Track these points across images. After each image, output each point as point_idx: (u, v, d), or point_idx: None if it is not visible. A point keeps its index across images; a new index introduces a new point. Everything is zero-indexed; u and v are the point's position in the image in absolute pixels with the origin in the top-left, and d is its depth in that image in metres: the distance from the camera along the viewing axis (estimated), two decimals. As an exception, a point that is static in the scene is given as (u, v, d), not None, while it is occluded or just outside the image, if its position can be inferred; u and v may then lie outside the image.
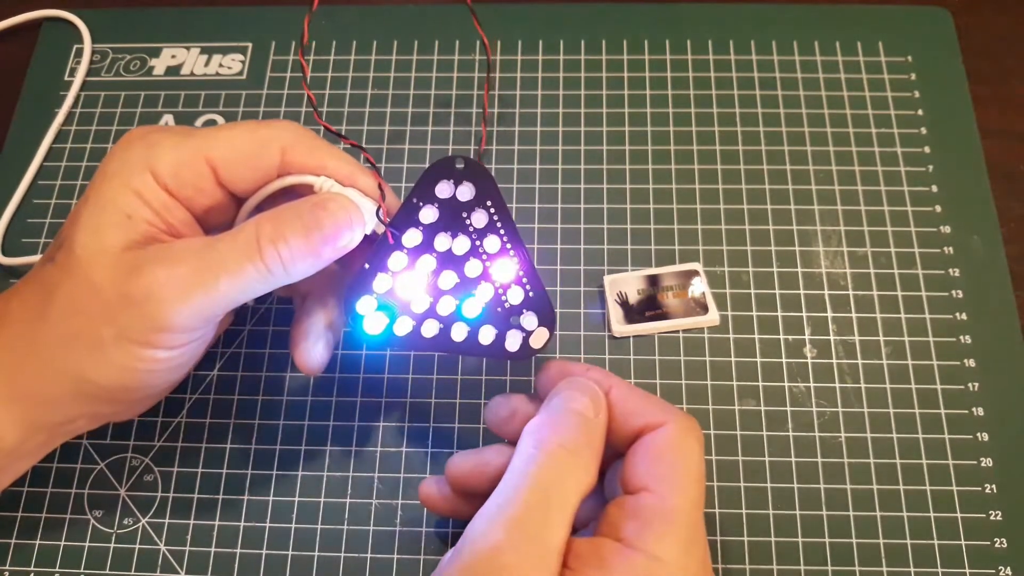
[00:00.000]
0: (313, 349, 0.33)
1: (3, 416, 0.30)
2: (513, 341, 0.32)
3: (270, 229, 0.29)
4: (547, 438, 0.28)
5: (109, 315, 0.29)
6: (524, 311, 0.32)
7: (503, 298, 0.32)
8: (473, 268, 0.32)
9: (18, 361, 0.30)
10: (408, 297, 0.32)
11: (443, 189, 0.31)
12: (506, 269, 0.32)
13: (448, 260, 0.32)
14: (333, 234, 0.30)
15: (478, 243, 0.32)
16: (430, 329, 0.32)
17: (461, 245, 0.32)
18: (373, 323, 0.32)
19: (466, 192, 0.31)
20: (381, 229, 0.32)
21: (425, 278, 0.32)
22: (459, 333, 0.32)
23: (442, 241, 0.32)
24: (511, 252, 0.32)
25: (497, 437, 0.36)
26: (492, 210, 0.31)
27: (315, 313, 0.34)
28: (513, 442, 0.32)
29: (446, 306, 0.32)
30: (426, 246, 0.32)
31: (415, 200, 0.31)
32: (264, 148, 0.31)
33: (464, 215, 0.31)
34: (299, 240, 0.29)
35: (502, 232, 0.32)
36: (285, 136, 0.32)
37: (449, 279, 0.32)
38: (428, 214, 0.32)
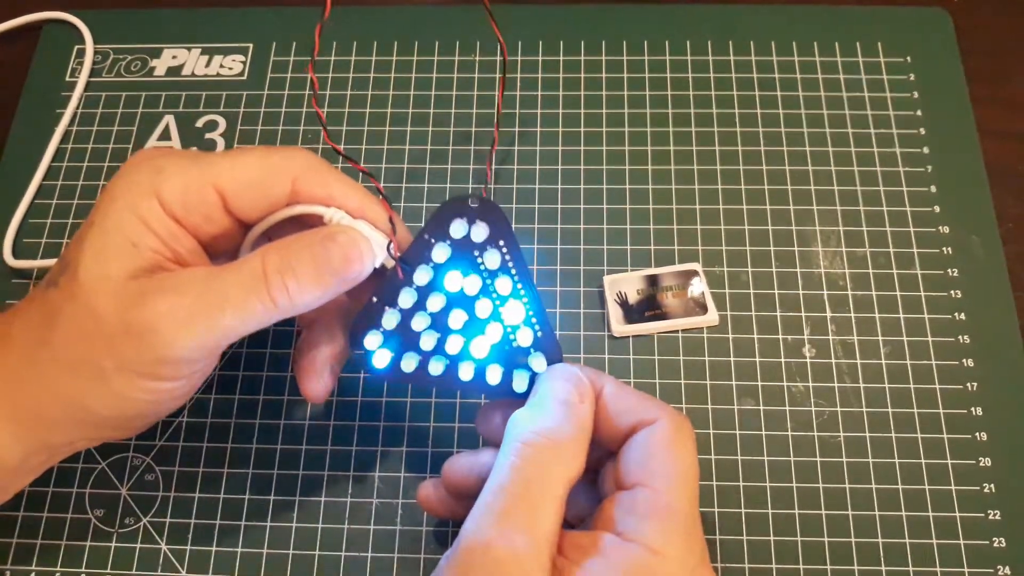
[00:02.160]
0: (319, 380, 0.33)
1: (6, 438, 0.30)
2: (520, 382, 0.32)
3: (277, 260, 0.29)
4: (530, 428, 0.28)
5: (111, 345, 0.28)
6: (532, 351, 0.32)
7: (512, 338, 0.32)
8: (483, 308, 0.31)
9: (20, 385, 0.29)
10: (415, 334, 0.32)
11: (457, 228, 0.31)
12: (517, 310, 0.31)
13: (458, 299, 0.31)
14: (343, 267, 0.29)
15: (490, 283, 0.31)
16: (436, 367, 0.32)
17: (472, 285, 0.31)
18: (379, 358, 0.32)
19: (480, 233, 0.31)
20: (391, 263, 0.31)
21: (434, 315, 0.32)
22: (466, 372, 0.32)
23: (453, 280, 0.31)
24: (523, 294, 0.31)
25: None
26: (504, 250, 0.31)
27: (321, 344, 0.33)
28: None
29: (454, 345, 0.32)
30: (436, 284, 0.31)
31: (427, 236, 0.31)
32: (275, 176, 0.31)
33: (477, 254, 0.31)
34: (307, 272, 0.29)
35: (514, 273, 0.31)
36: (296, 164, 0.31)
37: (458, 318, 0.31)
38: (440, 253, 0.31)
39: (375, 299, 0.31)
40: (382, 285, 0.31)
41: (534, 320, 0.32)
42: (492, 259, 0.31)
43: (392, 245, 0.31)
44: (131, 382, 0.29)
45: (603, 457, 0.31)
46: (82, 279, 0.28)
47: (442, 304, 0.31)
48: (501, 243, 0.31)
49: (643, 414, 0.30)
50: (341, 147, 0.43)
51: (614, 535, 0.27)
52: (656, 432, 0.29)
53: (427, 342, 0.32)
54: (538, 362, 0.32)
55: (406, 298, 0.31)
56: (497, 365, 0.32)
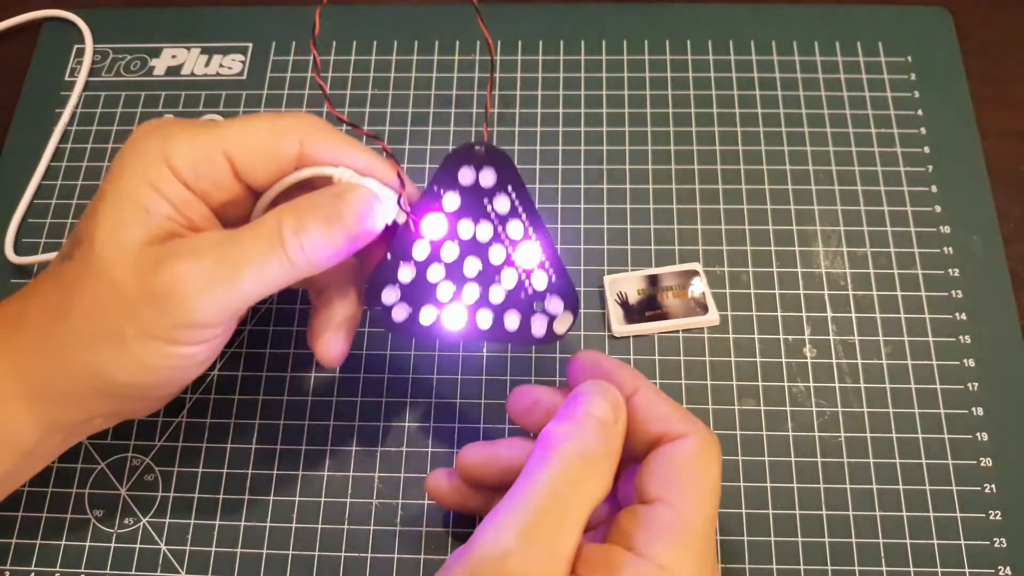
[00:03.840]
0: (334, 341, 0.33)
1: (23, 417, 0.30)
2: (539, 326, 0.32)
3: (292, 220, 0.29)
4: (564, 444, 0.28)
5: (132, 312, 0.28)
6: (548, 296, 0.32)
7: (527, 284, 0.32)
8: (497, 254, 0.32)
9: (39, 362, 0.29)
10: (432, 286, 0.32)
11: (465, 175, 0.31)
12: (529, 254, 0.32)
13: (471, 247, 0.32)
14: (354, 224, 0.30)
15: (501, 229, 0.31)
16: (455, 317, 0.32)
17: (484, 231, 0.31)
18: (398, 313, 0.32)
19: (488, 178, 0.31)
20: (402, 218, 0.32)
21: (448, 266, 0.32)
22: (484, 320, 0.32)
23: (465, 228, 0.31)
24: (534, 237, 0.32)
25: (502, 431, 0.36)
26: (514, 195, 0.31)
27: (334, 306, 0.33)
28: (531, 433, 0.32)
29: (470, 293, 0.32)
30: (449, 234, 0.32)
31: (436, 188, 0.31)
32: (282, 140, 0.31)
33: (486, 201, 0.31)
34: (321, 230, 0.29)
35: (524, 217, 0.31)
36: (303, 127, 0.31)
37: (473, 266, 0.32)
38: (450, 201, 0.31)
39: (389, 256, 0.32)
40: (395, 240, 0.32)
41: (547, 264, 0.32)
42: (502, 204, 0.31)
43: (402, 199, 0.32)
44: (154, 348, 0.29)
45: (624, 461, 0.30)
46: (98, 250, 0.28)
47: (456, 253, 0.32)
48: (509, 187, 0.31)
49: (672, 426, 0.29)
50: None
51: (627, 551, 0.27)
52: (683, 448, 0.29)
53: (444, 293, 0.32)
54: (554, 306, 0.32)
55: (420, 250, 0.32)
56: (515, 311, 0.32)
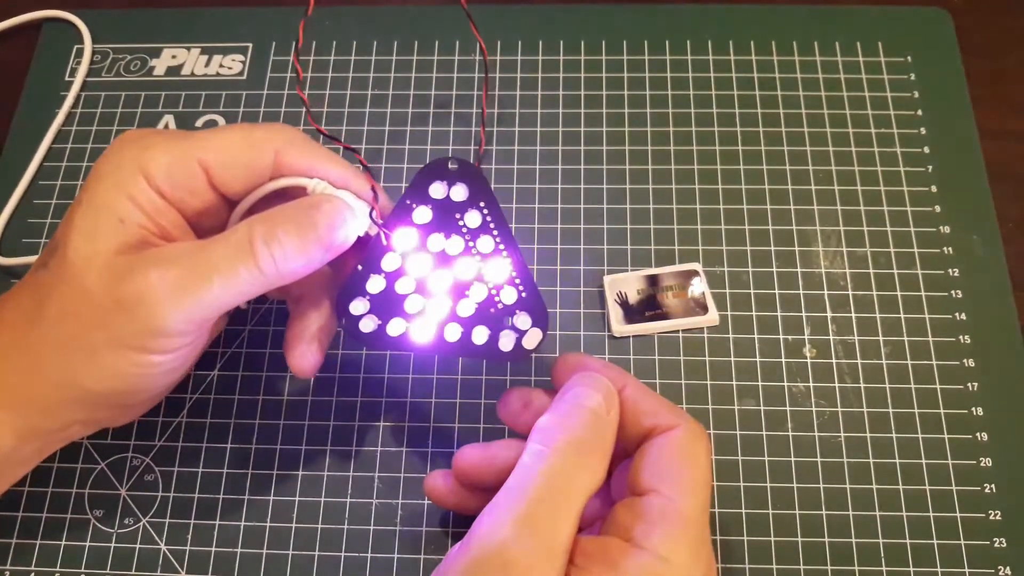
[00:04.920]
0: (307, 352, 0.33)
1: None
2: (506, 341, 0.32)
3: (263, 230, 0.29)
4: (557, 435, 0.28)
5: (102, 320, 0.28)
6: (517, 311, 0.32)
7: (496, 299, 0.32)
8: (466, 269, 0.32)
9: (11, 368, 0.29)
10: (401, 298, 0.32)
11: (437, 190, 0.31)
12: (499, 269, 0.32)
13: (441, 261, 0.32)
14: (327, 235, 0.30)
15: (471, 243, 0.32)
16: (423, 330, 0.32)
17: (454, 246, 0.32)
18: (366, 325, 0.32)
19: (460, 193, 0.31)
20: (374, 230, 0.32)
21: (418, 279, 0.32)
22: (452, 334, 0.32)
23: (436, 242, 0.32)
24: (504, 252, 0.32)
25: (502, 431, 0.36)
26: (485, 210, 0.31)
27: (309, 316, 0.34)
28: (524, 435, 0.32)
29: (439, 307, 0.32)
30: (419, 247, 0.32)
31: (408, 201, 0.31)
32: (257, 150, 0.31)
33: (457, 216, 0.31)
34: (292, 241, 0.29)
35: (495, 232, 0.32)
36: (278, 138, 0.32)
37: (442, 280, 0.32)
38: (422, 215, 0.32)
39: (360, 267, 0.32)
40: (366, 252, 0.32)
41: (517, 280, 0.32)
42: (473, 219, 0.31)
43: (375, 211, 0.32)
44: (122, 356, 0.29)
45: (616, 456, 0.30)
46: (71, 258, 0.29)
47: (426, 267, 0.32)
48: (482, 204, 0.31)
49: (661, 419, 0.30)
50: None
51: (624, 541, 0.27)
52: (673, 439, 0.29)
53: (413, 305, 0.32)
54: (523, 321, 0.32)
55: (390, 263, 0.32)
56: (483, 326, 0.32)
